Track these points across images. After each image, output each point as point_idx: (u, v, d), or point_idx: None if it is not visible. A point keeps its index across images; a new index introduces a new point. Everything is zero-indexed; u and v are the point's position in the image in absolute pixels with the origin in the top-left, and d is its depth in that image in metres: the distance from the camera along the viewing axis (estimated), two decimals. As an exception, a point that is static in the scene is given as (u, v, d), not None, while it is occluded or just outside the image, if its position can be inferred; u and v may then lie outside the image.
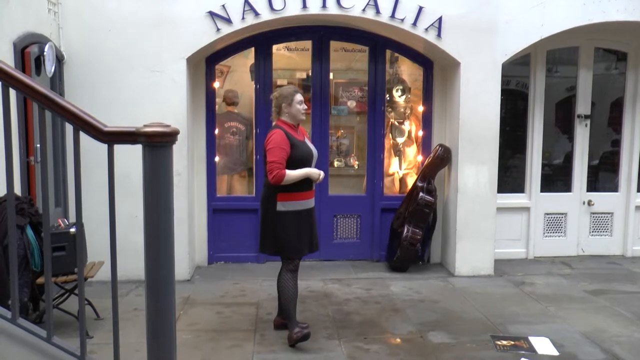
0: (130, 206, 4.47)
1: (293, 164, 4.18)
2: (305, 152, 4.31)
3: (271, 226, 4.29)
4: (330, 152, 6.82)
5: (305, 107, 4.43)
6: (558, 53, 6.92)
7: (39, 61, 4.96)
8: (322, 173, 4.35)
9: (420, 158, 6.81)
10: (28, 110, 4.76)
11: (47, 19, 5.36)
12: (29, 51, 4.80)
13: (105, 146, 2.33)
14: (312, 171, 4.29)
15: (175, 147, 2.30)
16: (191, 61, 5.94)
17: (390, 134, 7.13)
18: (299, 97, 4.33)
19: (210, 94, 6.44)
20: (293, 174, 4.17)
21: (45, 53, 4.95)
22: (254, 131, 6.59)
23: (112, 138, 2.32)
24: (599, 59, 6.97)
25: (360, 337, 4.49)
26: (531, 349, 4.28)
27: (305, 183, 4.28)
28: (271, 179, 4.13)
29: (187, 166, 5.91)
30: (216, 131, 6.52)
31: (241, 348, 4.28)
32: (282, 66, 7.27)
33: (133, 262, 4.44)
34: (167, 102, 5.69)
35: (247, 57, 6.87)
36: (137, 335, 3.90)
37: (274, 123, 4.39)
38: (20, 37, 4.73)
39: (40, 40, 5.03)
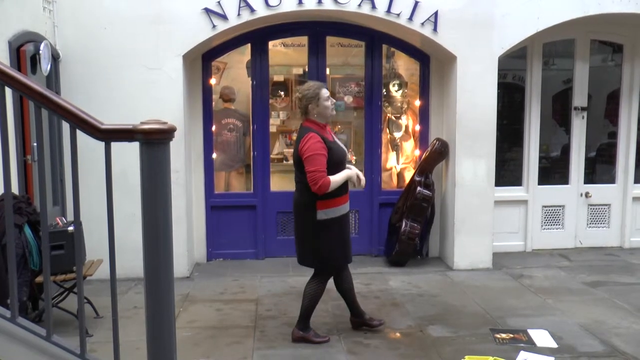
0: (128, 204, 4.47)
1: (329, 168, 3.94)
2: (341, 153, 4.07)
3: (312, 238, 4.03)
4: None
5: (334, 101, 4.15)
6: (554, 46, 6.92)
7: (35, 60, 4.95)
8: (360, 173, 4.15)
9: (417, 152, 6.81)
10: (24, 109, 4.75)
11: (43, 17, 5.34)
12: (24, 50, 4.79)
13: (102, 144, 2.33)
14: (351, 173, 4.09)
15: (172, 144, 2.30)
16: (187, 58, 5.93)
17: (387, 129, 7.13)
18: (325, 92, 4.04)
19: (207, 91, 6.43)
20: (336, 179, 3.94)
21: (40, 51, 4.94)
22: (251, 127, 6.58)
23: (109, 136, 2.31)
24: (595, 51, 6.97)
25: (360, 331, 4.50)
26: (530, 341, 4.30)
27: (344, 185, 4.06)
28: (316, 190, 3.86)
29: (184, 163, 5.90)
30: (213, 128, 6.51)
31: (241, 344, 4.29)
32: (279, 62, 7.27)
33: (132, 260, 4.44)
34: (164, 100, 5.68)
35: (244, 54, 6.87)
36: (137, 332, 3.88)
37: (302, 123, 4.14)
38: (16, 35, 4.72)
39: (35, 39, 5.02)
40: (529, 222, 6.91)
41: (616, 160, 7.09)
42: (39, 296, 4.39)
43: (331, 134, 4.20)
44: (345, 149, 4.21)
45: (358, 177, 4.14)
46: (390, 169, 7.19)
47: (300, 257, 4.23)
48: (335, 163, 3.99)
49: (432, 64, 6.62)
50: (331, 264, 4.17)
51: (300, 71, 7.32)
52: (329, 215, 4.01)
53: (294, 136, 7.79)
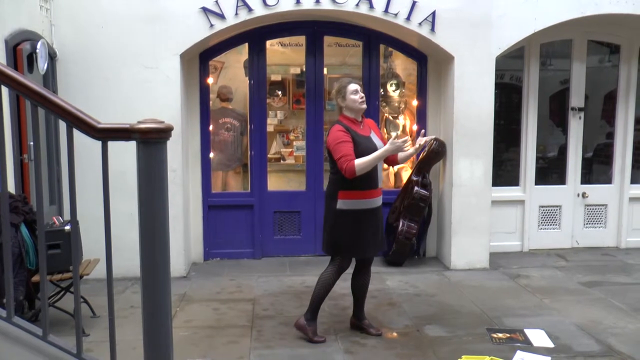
0: (125, 203, 4.42)
1: None
2: (367, 148, 4.02)
3: (329, 224, 4.17)
4: (325, 148, 6.81)
5: (362, 94, 4.15)
6: (551, 46, 6.94)
7: (32, 58, 4.93)
8: (396, 141, 3.94)
9: (415, 152, 6.80)
10: (21, 108, 4.74)
11: (40, 16, 5.32)
12: (21, 48, 4.78)
13: (99, 143, 2.32)
14: (386, 150, 3.96)
15: (169, 143, 2.29)
16: (185, 57, 5.92)
17: (384, 129, 7.13)
18: (352, 86, 4.10)
19: (204, 90, 6.42)
20: (362, 160, 3.92)
21: (37, 50, 4.93)
22: (249, 127, 6.58)
23: (106, 135, 2.31)
24: (592, 52, 6.98)
25: (356, 331, 4.50)
26: (527, 341, 4.30)
27: (371, 180, 4.06)
28: (345, 175, 3.94)
29: (181, 162, 5.89)
30: (210, 127, 6.51)
31: (238, 344, 4.28)
32: (276, 61, 7.27)
33: (129, 259, 4.41)
34: (161, 99, 5.67)
35: (241, 53, 6.86)
36: (133, 332, 3.89)
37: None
38: (12, 34, 4.70)
39: (32, 38, 5.00)
40: (526, 222, 6.92)
41: (613, 161, 7.10)
42: (35, 295, 4.38)
43: (369, 129, 4.21)
44: (379, 147, 4.11)
45: (398, 142, 3.96)
46: (387, 168, 7.19)
47: (322, 243, 4.34)
48: (358, 157, 3.96)
49: (429, 63, 6.62)
50: (340, 251, 4.19)
51: (298, 71, 7.31)
52: (347, 206, 4.09)
53: (292, 136, 7.85)
